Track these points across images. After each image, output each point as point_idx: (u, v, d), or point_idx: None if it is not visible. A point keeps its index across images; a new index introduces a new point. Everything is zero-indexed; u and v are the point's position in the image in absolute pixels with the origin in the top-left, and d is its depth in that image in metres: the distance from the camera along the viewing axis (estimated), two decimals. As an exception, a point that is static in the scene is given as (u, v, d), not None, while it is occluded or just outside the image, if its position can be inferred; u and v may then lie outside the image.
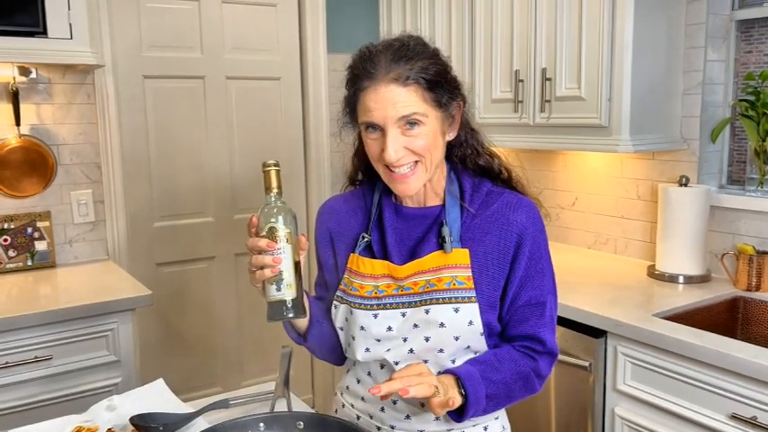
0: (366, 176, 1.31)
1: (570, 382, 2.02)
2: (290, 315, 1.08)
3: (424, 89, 1.11)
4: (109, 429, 1.20)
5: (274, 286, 1.07)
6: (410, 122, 1.11)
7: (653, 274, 2.27)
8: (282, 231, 1.07)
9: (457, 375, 1.11)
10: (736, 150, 2.34)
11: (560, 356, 2.00)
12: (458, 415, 1.12)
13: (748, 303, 2.08)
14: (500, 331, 1.22)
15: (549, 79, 2.33)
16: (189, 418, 1.25)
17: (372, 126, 1.12)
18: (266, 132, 3.08)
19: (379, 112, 1.10)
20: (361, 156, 1.27)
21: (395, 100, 1.09)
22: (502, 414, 1.30)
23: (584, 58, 2.21)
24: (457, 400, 1.08)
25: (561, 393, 2.07)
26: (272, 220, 1.07)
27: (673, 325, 1.80)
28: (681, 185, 2.21)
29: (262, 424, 1.13)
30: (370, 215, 1.26)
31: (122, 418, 1.25)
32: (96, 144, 2.59)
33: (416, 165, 1.14)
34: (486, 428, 1.25)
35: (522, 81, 2.44)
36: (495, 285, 1.19)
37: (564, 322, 2.01)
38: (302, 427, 1.12)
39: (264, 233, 1.07)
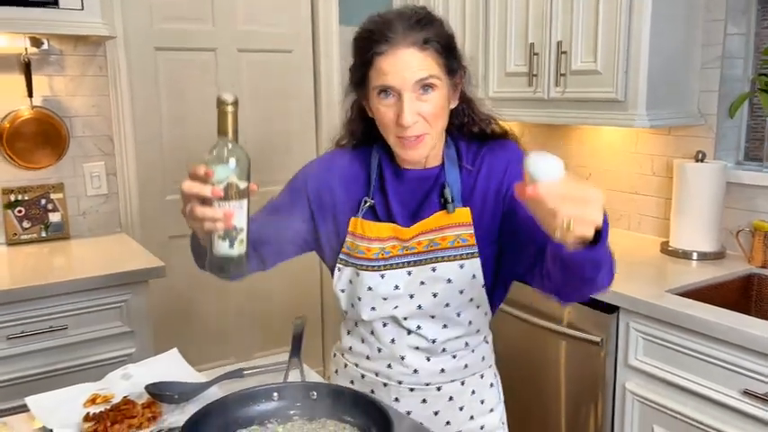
0: (361, 144, 1.31)
1: (581, 358, 2.02)
2: (236, 272, 1.01)
3: (438, 54, 1.14)
4: (124, 398, 1.22)
5: (226, 243, 0.98)
6: (425, 86, 1.13)
7: (666, 250, 2.26)
8: (243, 185, 0.98)
9: None
10: (753, 127, 2.30)
11: (571, 332, 2.02)
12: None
13: (763, 280, 2.07)
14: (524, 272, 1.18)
15: (565, 52, 2.30)
16: (203, 387, 1.26)
17: (386, 91, 1.14)
18: (278, 105, 3.07)
19: (396, 76, 1.12)
20: (358, 123, 1.28)
21: (412, 63, 1.12)
22: (496, 381, 1.38)
23: (600, 30, 2.17)
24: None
25: (571, 369, 2.07)
26: (233, 173, 0.96)
27: (686, 301, 1.79)
28: (697, 161, 2.18)
29: (276, 394, 1.13)
30: (369, 179, 1.28)
31: (137, 387, 1.26)
32: (108, 116, 2.59)
33: (423, 135, 1.16)
34: (482, 376, 1.32)
35: (537, 54, 2.41)
36: (492, 230, 1.22)
37: (576, 298, 2.01)
38: (316, 396, 1.13)
39: (222, 187, 0.96)
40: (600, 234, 0.92)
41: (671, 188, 2.30)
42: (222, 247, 0.99)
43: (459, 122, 1.26)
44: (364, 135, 1.29)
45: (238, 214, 0.98)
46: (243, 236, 1.00)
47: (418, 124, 1.14)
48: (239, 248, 1.00)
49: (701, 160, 2.18)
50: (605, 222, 0.93)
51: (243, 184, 0.98)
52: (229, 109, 0.97)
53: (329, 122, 3.14)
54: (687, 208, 2.18)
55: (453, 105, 1.23)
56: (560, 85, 2.33)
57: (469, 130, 1.27)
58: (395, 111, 1.14)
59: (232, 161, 0.98)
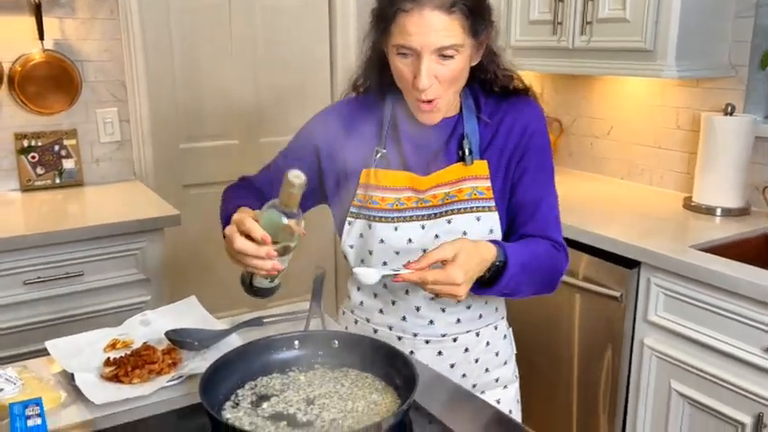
0: (375, 88, 1.26)
1: (597, 312, 2.01)
2: (272, 294, 1.11)
3: (465, 18, 1.10)
4: (144, 343, 1.21)
5: (267, 279, 1.06)
6: (445, 53, 1.10)
7: (689, 205, 2.21)
8: (293, 244, 1.03)
9: (497, 245, 1.11)
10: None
11: (590, 286, 1.99)
12: (487, 286, 1.12)
13: (788, 238, 2.03)
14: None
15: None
16: (223, 334, 1.25)
17: (405, 51, 1.11)
18: (292, 54, 3.00)
19: (418, 38, 1.08)
20: (376, 68, 1.23)
21: (437, 28, 1.08)
22: (509, 333, 1.38)
23: (631, -25, 2.08)
24: (461, 294, 1.05)
25: (586, 323, 2.06)
26: (289, 240, 1.02)
27: (710, 257, 1.76)
28: (726, 114, 2.11)
29: (297, 342, 1.12)
30: (381, 127, 1.25)
31: (157, 333, 1.25)
32: (121, 61, 2.54)
33: (436, 99, 1.13)
34: (496, 328, 1.32)
35: (561, 1, 2.32)
36: (505, 187, 1.22)
37: (595, 252, 1.98)
38: (337, 345, 1.11)
39: (277, 247, 1.01)
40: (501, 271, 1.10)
41: (696, 142, 2.24)
42: (263, 282, 1.09)
43: (483, 78, 1.23)
44: (381, 78, 1.23)
45: (284, 264, 1.04)
46: (283, 272, 1.07)
47: (434, 87, 1.12)
48: (278, 280, 1.10)
49: (730, 113, 2.11)
50: (498, 268, 1.09)
51: (294, 243, 1.02)
52: (296, 191, 0.98)
53: (344, 69, 3.07)
54: (713, 162, 2.12)
55: (475, 63, 1.18)
56: (586, 34, 2.25)
57: (491, 86, 1.24)
58: (412, 71, 1.11)
59: (293, 232, 1.02)
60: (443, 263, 1.03)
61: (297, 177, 0.96)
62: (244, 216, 1.02)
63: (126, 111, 2.58)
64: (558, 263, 1.21)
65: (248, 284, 1.11)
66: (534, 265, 1.15)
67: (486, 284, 1.11)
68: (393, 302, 1.27)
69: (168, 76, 2.75)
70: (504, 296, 1.24)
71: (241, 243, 1.01)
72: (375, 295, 1.29)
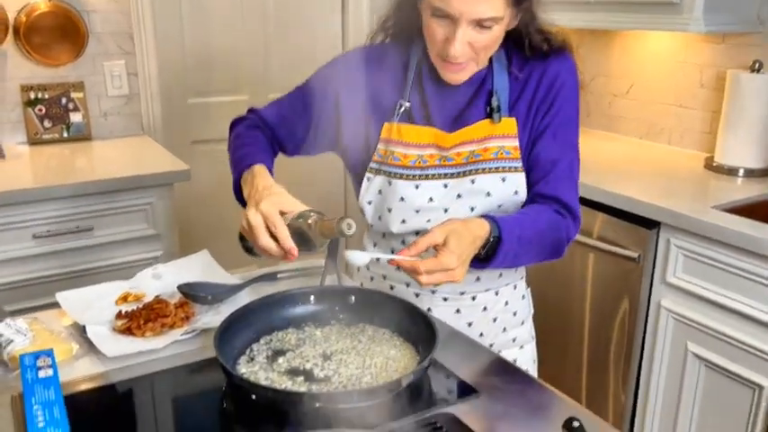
0: (403, 34, 1.20)
1: (613, 273, 1.97)
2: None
3: None
4: (156, 297, 1.19)
5: None
6: (484, 24, 1.05)
7: (710, 166, 2.16)
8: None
9: (489, 220, 1.06)
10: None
11: (606, 246, 1.96)
12: (485, 262, 1.07)
13: (812, 199, 1.98)
14: None
15: (617, -51, 2.12)
16: (236, 289, 1.23)
17: (443, 14, 1.05)
18: (304, 8, 2.92)
19: (458, 5, 1.03)
20: (408, 13, 1.16)
21: None
22: (527, 293, 1.34)
23: (659, -77, 1.99)
24: (458, 277, 1.00)
25: (600, 284, 2.03)
26: (310, 248, 1.01)
27: (734, 218, 1.71)
28: (752, 72, 2.04)
29: (312, 297, 1.10)
30: (406, 79, 1.19)
31: (168, 287, 1.23)
32: (128, 13, 2.47)
33: (467, 63, 1.10)
34: (515, 287, 1.28)
35: (585, -49, 2.23)
36: (530, 141, 1.17)
37: (613, 212, 1.94)
38: (354, 301, 1.09)
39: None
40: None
41: (719, 101, 2.17)
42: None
43: (517, 38, 1.16)
44: (411, 25, 1.17)
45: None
46: None
47: (466, 54, 1.07)
48: None
49: (758, 71, 2.04)
50: (493, 243, 1.04)
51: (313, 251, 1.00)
52: (341, 237, 0.96)
53: (355, 24, 2.99)
54: (737, 122, 2.06)
55: (513, 25, 1.12)
56: (609, -14, 2.17)
57: (521, 47, 1.17)
58: (445, 34, 1.07)
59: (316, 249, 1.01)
60: (435, 248, 0.98)
61: (349, 228, 0.93)
62: (274, 213, 0.99)
63: (134, 64, 2.52)
64: (564, 230, 1.16)
65: (248, 246, 1.08)
66: (533, 236, 1.11)
67: (483, 260, 1.07)
68: None
69: (177, 28, 2.68)
70: (503, 268, 1.20)
71: (266, 242, 0.99)
72: (392, 251, 1.25)
